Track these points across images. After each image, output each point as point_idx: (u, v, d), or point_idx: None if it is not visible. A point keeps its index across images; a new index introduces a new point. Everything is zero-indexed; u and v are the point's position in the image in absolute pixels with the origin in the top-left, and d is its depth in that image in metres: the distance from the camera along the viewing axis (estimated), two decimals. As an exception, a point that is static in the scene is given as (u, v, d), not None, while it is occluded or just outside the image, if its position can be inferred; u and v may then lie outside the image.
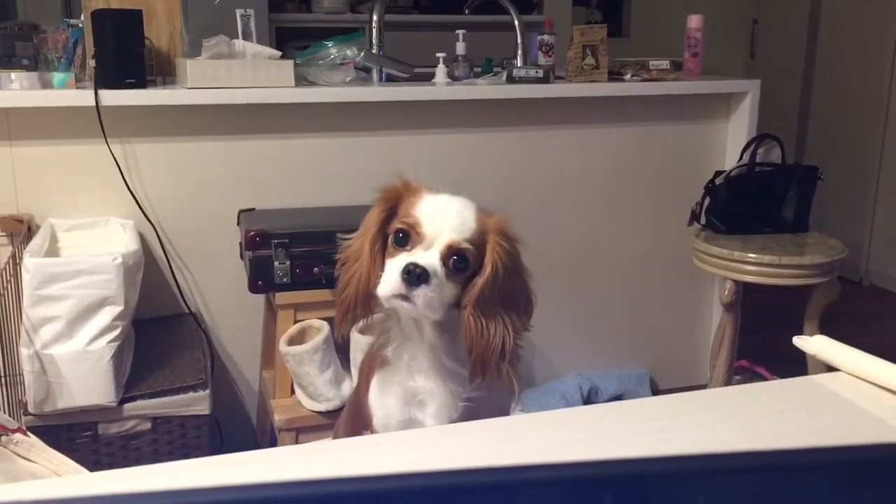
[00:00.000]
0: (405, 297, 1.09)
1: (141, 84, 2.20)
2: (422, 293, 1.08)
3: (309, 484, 0.31)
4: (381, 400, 1.22)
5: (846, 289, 2.54)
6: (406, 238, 1.12)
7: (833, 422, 0.81)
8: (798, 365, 1.58)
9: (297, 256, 2.08)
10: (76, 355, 1.86)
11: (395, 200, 1.15)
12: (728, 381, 2.50)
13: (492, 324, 1.11)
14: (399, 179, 1.17)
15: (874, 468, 0.37)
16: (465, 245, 1.10)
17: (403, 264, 1.08)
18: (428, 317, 1.12)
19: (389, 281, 1.09)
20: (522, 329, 1.15)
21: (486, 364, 1.11)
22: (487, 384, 1.15)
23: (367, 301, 1.15)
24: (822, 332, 0.99)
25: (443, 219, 1.11)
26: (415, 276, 1.07)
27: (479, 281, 1.11)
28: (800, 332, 2.07)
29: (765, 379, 2.83)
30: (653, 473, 0.32)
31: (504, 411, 1.29)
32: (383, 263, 1.13)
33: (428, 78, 2.63)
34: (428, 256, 1.10)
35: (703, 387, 2.75)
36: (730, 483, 0.34)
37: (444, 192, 1.16)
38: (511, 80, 2.56)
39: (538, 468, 0.31)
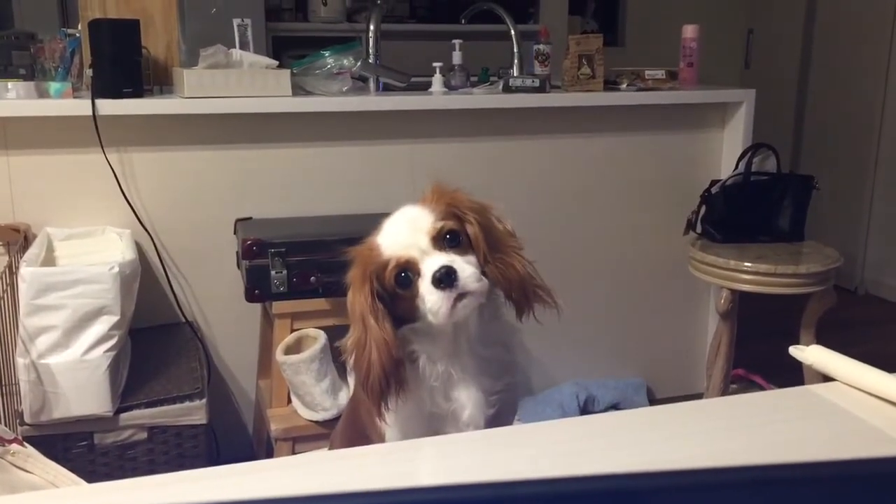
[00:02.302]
0: (460, 298, 1.10)
1: (138, 93, 2.20)
2: (463, 280, 1.09)
3: (305, 500, 0.31)
4: (404, 432, 1.21)
5: (841, 297, 2.54)
6: (406, 275, 1.12)
7: (830, 432, 0.81)
8: (795, 373, 1.58)
9: (294, 265, 2.08)
10: (72, 365, 1.86)
11: (366, 265, 1.14)
12: (724, 390, 2.50)
13: (510, 259, 1.16)
14: (355, 252, 1.16)
15: (872, 481, 0.37)
16: (441, 225, 1.12)
17: (430, 279, 1.09)
18: (483, 297, 1.13)
19: (435, 303, 1.10)
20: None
21: (528, 293, 1.16)
22: (537, 310, 1.18)
23: (396, 371, 1.13)
24: (818, 341, 1.00)
25: (411, 230, 1.13)
26: (445, 275, 1.09)
27: (477, 239, 1.14)
28: (796, 341, 2.08)
29: (761, 388, 2.83)
30: (650, 488, 0.33)
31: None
32: (392, 327, 1.13)
33: (424, 87, 2.63)
34: (434, 260, 1.11)
35: (700, 395, 2.75)
36: (727, 497, 0.34)
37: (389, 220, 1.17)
38: (507, 89, 2.56)
39: (534, 483, 0.31)
